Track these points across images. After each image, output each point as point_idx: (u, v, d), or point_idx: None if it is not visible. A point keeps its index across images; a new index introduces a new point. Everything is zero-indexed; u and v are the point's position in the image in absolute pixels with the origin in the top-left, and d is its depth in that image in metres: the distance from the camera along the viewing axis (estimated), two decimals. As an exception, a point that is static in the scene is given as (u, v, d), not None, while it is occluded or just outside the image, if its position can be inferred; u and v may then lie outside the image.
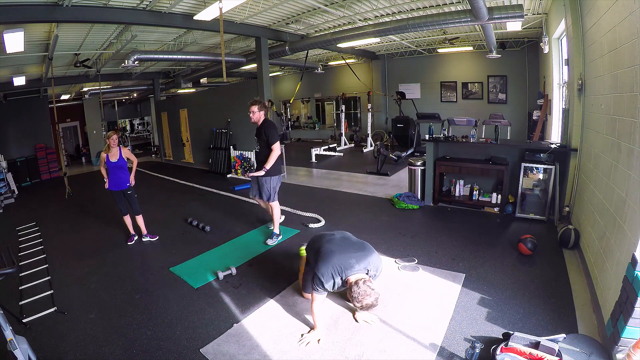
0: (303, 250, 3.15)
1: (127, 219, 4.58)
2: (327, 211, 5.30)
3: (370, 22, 7.29)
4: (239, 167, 8.35)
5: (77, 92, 13.23)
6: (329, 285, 2.33)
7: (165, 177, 9.49)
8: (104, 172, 4.39)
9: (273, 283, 3.29)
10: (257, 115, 4.03)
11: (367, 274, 2.34)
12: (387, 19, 7.21)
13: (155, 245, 4.48)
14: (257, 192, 4.26)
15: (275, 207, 4.26)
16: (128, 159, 4.43)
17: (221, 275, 3.43)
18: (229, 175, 8.58)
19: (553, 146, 4.39)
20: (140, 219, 4.55)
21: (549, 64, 7.00)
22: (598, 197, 3.05)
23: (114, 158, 4.27)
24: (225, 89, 10.96)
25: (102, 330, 2.74)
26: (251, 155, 4.18)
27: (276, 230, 4.30)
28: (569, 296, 2.83)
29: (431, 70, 11.76)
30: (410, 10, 6.91)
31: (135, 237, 4.61)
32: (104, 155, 4.29)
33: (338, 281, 2.32)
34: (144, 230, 4.59)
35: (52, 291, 3.39)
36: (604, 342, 2.20)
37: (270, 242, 4.22)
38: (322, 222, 4.83)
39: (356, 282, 2.22)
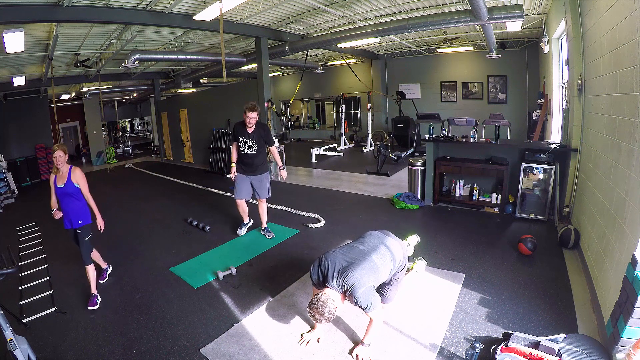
0: None
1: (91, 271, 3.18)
2: (327, 211, 5.30)
3: (370, 22, 7.29)
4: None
5: (77, 92, 13.23)
6: (314, 278, 2.36)
7: (165, 177, 9.48)
8: (53, 200, 3.28)
9: (273, 283, 3.29)
10: (255, 120, 4.01)
11: (345, 289, 2.20)
12: (387, 19, 7.21)
13: (155, 246, 4.47)
14: (249, 192, 4.32)
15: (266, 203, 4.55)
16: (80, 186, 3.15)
17: (221, 275, 3.43)
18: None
19: (553, 146, 4.39)
20: (90, 272, 3.16)
21: (549, 64, 7.00)
22: (598, 197, 3.05)
23: (60, 182, 3.09)
24: (225, 89, 10.97)
25: (102, 330, 2.74)
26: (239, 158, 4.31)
27: (265, 224, 4.57)
28: (569, 296, 2.83)
29: (431, 70, 11.76)
30: (410, 10, 6.91)
31: (98, 300, 3.12)
32: (52, 177, 3.18)
33: (321, 279, 2.32)
34: (92, 288, 3.17)
35: (52, 291, 3.40)
36: (604, 342, 2.20)
37: (240, 233, 4.55)
38: (322, 222, 4.83)
39: (322, 293, 2.21)
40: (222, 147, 9.09)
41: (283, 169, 4.52)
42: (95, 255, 3.40)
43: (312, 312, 2.19)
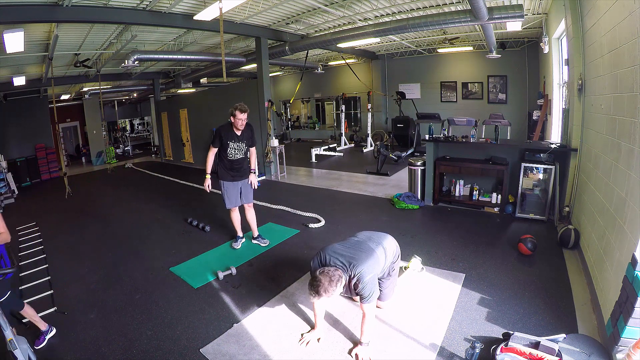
0: None
1: None
2: (327, 211, 5.30)
3: (370, 22, 7.29)
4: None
5: (77, 92, 13.23)
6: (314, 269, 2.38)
7: (165, 177, 9.48)
8: None
9: (273, 283, 3.29)
10: (246, 122, 3.75)
11: (350, 277, 2.26)
12: (387, 19, 7.21)
13: (155, 246, 4.47)
14: (239, 198, 4.03)
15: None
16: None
17: (221, 275, 3.43)
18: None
19: (553, 146, 4.39)
20: (28, 311, 2.57)
21: (549, 64, 7.00)
22: (598, 197, 3.05)
23: None
24: (225, 89, 10.97)
25: (102, 330, 2.74)
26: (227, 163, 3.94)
27: (257, 232, 4.27)
28: (569, 296, 2.83)
29: (431, 70, 11.75)
30: (410, 10, 6.91)
31: (47, 337, 2.65)
32: None
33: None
34: (40, 325, 2.64)
35: (52, 291, 3.39)
36: (604, 342, 2.20)
37: (234, 243, 4.20)
38: (322, 222, 4.83)
39: (329, 268, 2.23)
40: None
41: (253, 172, 4.07)
42: (30, 312, 2.59)
43: (320, 276, 2.14)
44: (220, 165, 3.95)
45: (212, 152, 3.90)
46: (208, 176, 3.90)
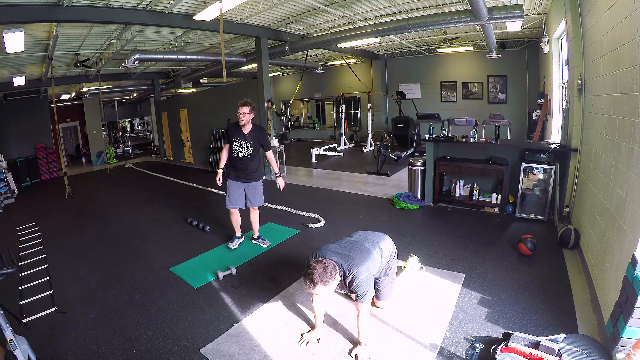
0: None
1: None
2: (327, 211, 5.30)
3: (370, 22, 7.29)
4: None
5: (77, 92, 13.23)
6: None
7: (165, 177, 9.48)
8: None
9: (273, 283, 3.29)
10: (248, 117, 3.73)
11: (345, 274, 2.28)
12: (387, 19, 7.21)
13: (155, 246, 4.47)
14: (243, 201, 4.02)
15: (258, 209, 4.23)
16: None
17: (221, 275, 3.43)
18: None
19: (553, 146, 4.39)
20: None
21: (549, 64, 7.00)
22: (598, 197, 3.05)
23: None
24: (225, 89, 10.97)
25: (102, 330, 2.74)
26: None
27: (258, 233, 4.28)
28: (569, 296, 2.83)
29: (431, 70, 11.76)
30: (410, 10, 6.91)
31: None
32: None
33: None
34: None
35: (52, 291, 3.39)
36: (604, 342, 2.20)
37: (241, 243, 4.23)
38: (322, 222, 4.83)
39: (322, 258, 2.26)
40: (222, 147, 9.11)
41: (280, 176, 4.13)
42: None
43: (314, 264, 2.16)
44: (228, 162, 4.01)
45: (225, 149, 4.00)
46: (220, 171, 4.07)
